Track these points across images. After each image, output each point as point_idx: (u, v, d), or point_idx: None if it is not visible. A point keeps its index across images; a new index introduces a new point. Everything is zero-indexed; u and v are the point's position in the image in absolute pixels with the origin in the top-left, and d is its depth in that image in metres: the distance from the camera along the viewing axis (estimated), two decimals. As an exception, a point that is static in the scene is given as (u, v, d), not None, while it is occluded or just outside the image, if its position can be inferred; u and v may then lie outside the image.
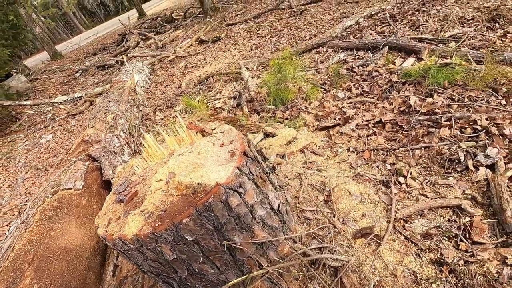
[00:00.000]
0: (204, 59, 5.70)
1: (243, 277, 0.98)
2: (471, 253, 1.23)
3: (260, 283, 1.06)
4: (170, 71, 5.80)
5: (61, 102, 6.08)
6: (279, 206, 1.13)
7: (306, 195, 1.56)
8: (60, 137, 5.03)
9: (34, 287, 1.36)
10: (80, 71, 9.62)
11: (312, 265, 1.16)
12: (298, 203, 1.48)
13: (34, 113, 7.09)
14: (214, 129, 1.20)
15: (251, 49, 5.09)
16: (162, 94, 4.81)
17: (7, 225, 3.12)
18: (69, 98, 6.26)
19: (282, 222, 1.15)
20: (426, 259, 1.23)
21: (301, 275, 1.14)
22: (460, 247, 1.25)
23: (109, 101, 3.60)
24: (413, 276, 1.16)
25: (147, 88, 5.21)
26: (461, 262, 1.20)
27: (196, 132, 1.20)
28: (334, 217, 1.38)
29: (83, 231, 1.80)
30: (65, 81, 9.49)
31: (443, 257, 1.22)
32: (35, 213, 1.78)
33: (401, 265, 1.20)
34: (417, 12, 3.68)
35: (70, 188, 2.01)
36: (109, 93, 3.95)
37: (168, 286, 1.03)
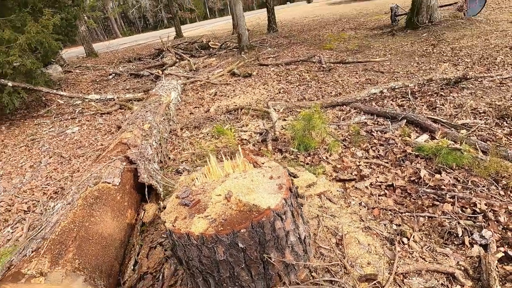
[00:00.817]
0: (234, 90, 6.16)
1: (269, 290, 1.19)
2: (458, 318, 1.41)
3: (279, 299, 1.26)
4: (200, 94, 6.25)
5: (93, 100, 6.49)
6: (304, 237, 1.36)
7: (322, 235, 1.77)
8: (85, 132, 5.34)
9: (75, 262, 1.55)
10: (114, 74, 10.22)
11: (322, 295, 1.35)
12: (316, 241, 1.69)
13: (63, 103, 7.51)
14: (263, 163, 1.47)
15: (279, 92, 5.54)
16: (190, 113, 5.18)
17: (25, 203, 3.31)
18: (101, 98, 6.67)
19: (305, 252, 1.37)
20: (418, 314, 1.41)
21: (311, 302, 1.33)
22: (449, 311, 1.43)
23: (147, 111, 3.94)
24: (406, 326, 1.34)
25: (177, 105, 5.60)
26: (449, 323, 1.38)
27: (249, 162, 1.47)
28: (344, 258, 1.58)
29: (115, 223, 2.01)
30: (97, 80, 10.07)
31: (433, 316, 1.40)
32: (79, 197, 2.01)
33: (397, 314, 1.39)
34: (435, 95, 4.10)
35: (109, 183, 2.25)
36: (147, 103, 4.32)
37: (205, 283, 1.23)
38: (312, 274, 1.41)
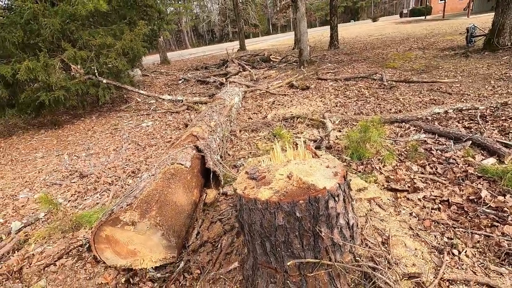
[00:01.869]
0: (291, 101, 6.42)
1: (316, 260, 1.37)
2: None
3: (323, 273, 1.42)
4: (259, 102, 6.65)
5: (166, 100, 7.35)
6: (352, 224, 1.50)
7: (369, 231, 1.87)
8: (158, 126, 6.09)
9: (157, 218, 1.92)
10: (183, 79, 11.35)
11: (364, 279, 1.47)
12: (362, 233, 1.80)
13: (141, 101, 8.61)
14: (321, 155, 1.67)
15: (336, 105, 5.63)
16: (249, 118, 5.58)
17: (109, 177, 3.96)
18: (172, 99, 7.52)
19: (351, 238, 1.51)
20: (462, 319, 1.43)
21: (353, 284, 1.45)
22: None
23: (213, 111, 4.42)
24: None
25: (238, 110, 6.06)
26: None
27: (309, 153, 1.69)
28: (389, 255, 1.67)
29: (185, 197, 2.38)
30: (168, 84, 11.30)
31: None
32: (160, 172, 2.43)
33: (438, 314, 1.43)
34: (510, 120, 3.80)
35: (182, 164, 2.65)
36: (213, 105, 4.82)
37: (262, 246, 1.46)
38: (356, 259, 1.53)
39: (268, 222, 1.35)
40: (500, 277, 1.66)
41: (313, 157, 1.67)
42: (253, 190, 1.41)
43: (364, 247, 1.68)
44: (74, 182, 3.93)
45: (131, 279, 2.00)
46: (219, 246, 2.03)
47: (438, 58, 8.70)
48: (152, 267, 1.99)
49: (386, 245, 1.81)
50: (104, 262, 2.05)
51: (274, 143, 1.67)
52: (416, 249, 1.81)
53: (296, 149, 1.75)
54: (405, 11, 41.04)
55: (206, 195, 2.80)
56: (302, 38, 9.87)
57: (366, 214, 2.04)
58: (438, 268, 1.68)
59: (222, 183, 2.90)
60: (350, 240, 1.50)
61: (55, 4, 6.19)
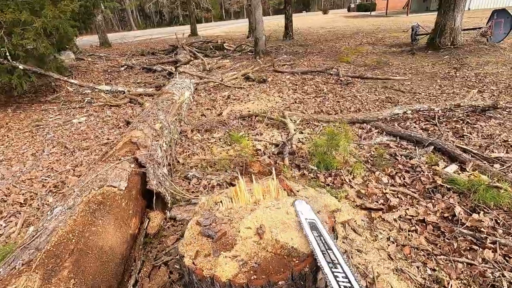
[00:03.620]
0: (248, 95, 5.98)
1: None
2: None
3: None
4: (212, 96, 6.08)
5: (103, 91, 6.33)
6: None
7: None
8: (93, 123, 5.17)
9: (70, 282, 1.35)
10: (126, 66, 10.10)
11: None
12: None
13: (73, 91, 7.36)
14: (298, 191, 1.27)
15: (295, 102, 5.35)
16: (202, 115, 5.00)
17: (22, 194, 3.12)
18: (112, 89, 6.52)
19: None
20: None
21: None
22: None
23: (159, 110, 3.76)
24: None
25: (189, 105, 5.42)
26: None
27: (283, 189, 1.28)
28: (378, 310, 1.38)
29: (118, 235, 1.81)
30: (108, 71, 9.95)
31: None
32: (81, 201, 1.81)
33: None
34: (461, 122, 3.88)
35: (115, 187, 2.06)
36: (159, 101, 4.15)
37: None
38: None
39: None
40: (491, 318, 1.47)
41: (288, 194, 1.26)
42: (209, 260, 0.96)
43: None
44: (-31, 203, 3.00)
45: None
46: (163, 305, 1.54)
47: (387, 54, 8.99)
48: None
49: (372, 291, 1.52)
50: None
51: (238, 180, 1.22)
52: (403, 292, 1.55)
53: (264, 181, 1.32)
54: (352, 5, 43.01)
55: (148, 222, 2.25)
56: (258, 27, 9.40)
57: (346, 251, 1.73)
58: (430, 317, 1.43)
59: (169, 204, 2.37)
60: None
61: None
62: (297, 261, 0.92)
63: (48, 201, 2.95)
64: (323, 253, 0.90)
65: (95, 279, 1.48)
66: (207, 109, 5.31)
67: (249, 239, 1.01)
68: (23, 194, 3.11)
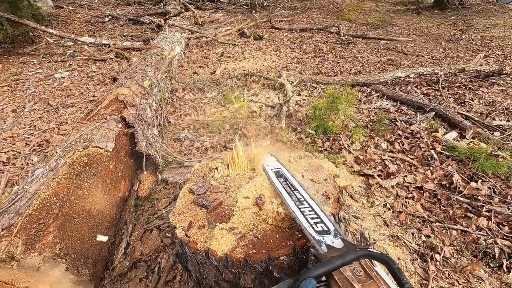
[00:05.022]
0: (242, 53, 5.63)
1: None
2: None
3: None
4: (205, 53, 5.71)
5: (86, 43, 5.86)
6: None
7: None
8: (76, 78, 4.84)
9: (56, 247, 1.28)
10: (110, 16, 9.31)
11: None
12: None
13: (53, 42, 6.81)
14: (302, 158, 1.17)
15: (292, 61, 5.07)
16: (194, 73, 4.72)
17: (5, 153, 2.97)
18: (96, 42, 6.05)
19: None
20: None
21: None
22: None
23: (147, 65, 3.49)
24: None
25: (180, 62, 5.09)
26: None
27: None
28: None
29: (106, 198, 1.73)
30: (91, 21, 9.16)
31: None
32: (65, 163, 1.69)
33: None
34: (464, 87, 3.76)
35: (102, 148, 1.93)
36: (147, 56, 3.84)
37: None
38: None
39: (227, 283, 0.86)
40: (480, 283, 1.50)
41: (289, 161, 1.16)
42: (203, 232, 0.87)
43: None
44: None
45: (27, 325, 1.39)
46: (156, 268, 1.51)
47: (391, 13, 8.47)
48: (58, 307, 1.40)
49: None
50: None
51: (235, 146, 1.09)
52: (399, 258, 1.55)
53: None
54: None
55: (139, 184, 2.17)
56: (255, -24, 8.60)
57: (344, 219, 1.69)
58: (424, 282, 1.44)
59: (160, 167, 2.27)
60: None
61: None
62: (300, 235, 0.85)
63: (32, 160, 2.81)
64: (289, 194, 0.95)
65: (83, 244, 1.41)
66: (200, 66, 5.00)
67: (247, 210, 0.93)
68: (5, 152, 2.96)
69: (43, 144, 3.05)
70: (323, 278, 0.65)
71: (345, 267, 0.64)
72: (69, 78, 4.88)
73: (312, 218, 0.82)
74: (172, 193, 2.10)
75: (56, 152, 1.78)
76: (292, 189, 0.96)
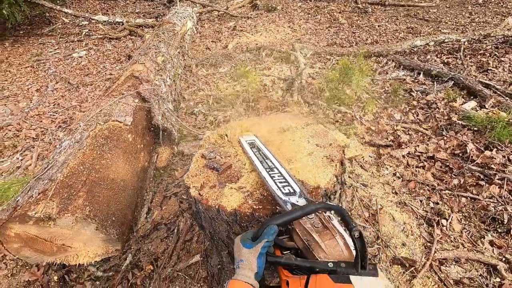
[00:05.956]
0: (255, 26, 5.52)
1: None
2: (493, 312, 1.31)
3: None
4: (217, 27, 5.64)
5: (101, 22, 5.92)
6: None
7: (356, 211, 1.61)
8: (93, 58, 4.96)
9: (86, 209, 1.43)
10: (122, -7, 9.22)
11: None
12: (351, 217, 1.54)
13: (69, 22, 6.92)
14: (308, 125, 1.21)
15: (306, 33, 4.93)
16: (206, 48, 4.71)
17: (34, 129, 3.18)
18: (109, 20, 6.08)
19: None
20: (452, 303, 1.31)
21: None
22: (484, 303, 1.33)
23: (160, 41, 3.52)
24: (439, 316, 1.25)
25: (192, 37, 5.07)
26: (483, 317, 1.28)
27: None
28: (378, 239, 1.44)
29: (128, 167, 1.86)
30: (104, -1, 9.15)
31: (468, 307, 1.30)
32: (88, 136, 1.81)
33: (430, 302, 1.29)
34: (488, 55, 3.56)
35: (121, 122, 2.04)
36: (160, 32, 3.86)
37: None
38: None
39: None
40: (486, 248, 1.54)
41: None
42: (215, 191, 0.96)
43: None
44: (-16, 137, 3.09)
45: (66, 277, 1.59)
46: (175, 230, 1.65)
47: (414, -24, 7.89)
48: (92, 262, 1.58)
49: (374, 222, 1.57)
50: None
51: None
52: (404, 223, 1.60)
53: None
54: None
55: (157, 156, 2.29)
56: None
57: (351, 185, 1.74)
58: (429, 245, 1.50)
59: (176, 139, 2.37)
60: (341, 235, 1.19)
61: None
62: (335, 201, 0.92)
63: (58, 136, 3.00)
64: (261, 162, 1.02)
65: (110, 207, 1.56)
66: (212, 41, 4.97)
67: (255, 172, 1.00)
68: (34, 129, 3.16)
69: (67, 121, 3.23)
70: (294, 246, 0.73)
71: (305, 221, 0.72)
72: (86, 57, 5.00)
73: (280, 182, 0.90)
74: (188, 164, 2.21)
75: (80, 126, 1.91)
76: (264, 157, 1.04)
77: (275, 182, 0.90)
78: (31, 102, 3.74)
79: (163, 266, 1.50)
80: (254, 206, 0.88)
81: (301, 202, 0.82)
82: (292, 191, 0.86)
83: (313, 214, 0.74)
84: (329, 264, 0.61)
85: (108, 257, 1.59)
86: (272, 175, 0.94)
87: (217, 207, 0.91)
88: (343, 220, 0.66)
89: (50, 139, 2.96)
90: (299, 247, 0.71)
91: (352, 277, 0.57)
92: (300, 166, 1.00)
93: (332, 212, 0.75)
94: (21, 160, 2.70)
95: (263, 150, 1.07)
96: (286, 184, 0.89)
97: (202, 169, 1.06)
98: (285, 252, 0.72)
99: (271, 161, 1.00)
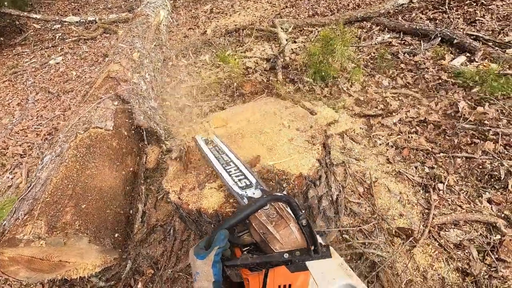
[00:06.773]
0: (232, 6, 5.30)
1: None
2: (495, 269, 1.31)
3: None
4: (193, 12, 5.41)
5: (73, 23, 5.68)
6: (337, 197, 1.15)
7: (349, 187, 1.58)
8: (70, 62, 4.80)
9: (76, 224, 1.40)
10: (91, -11, 8.81)
11: (354, 256, 1.23)
12: (345, 196, 1.51)
13: (41, 28, 6.65)
14: (287, 108, 1.15)
15: (286, 6, 4.74)
16: (184, 37, 4.54)
17: (20, 145, 3.11)
18: (81, 20, 5.84)
19: (335, 213, 1.18)
20: (454, 266, 1.31)
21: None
22: (486, 261, 1.32)
23: (133, 36, 3.37)
24: (441, 281, 1.25)
25: (169, 27, 4.87)
26: (486, 276, 1.28)
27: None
28: (374, 214, 1.42)
29: (116, 173, 1.81)
30: (74, -2, 8.75)
31: (470, 268, 1.30)
32: (69, 147, 1.76)
33: (432, 269, 1.28)
34: (475, 4, 3.42)
35: (101, 128, 1.97)
36: (133, 26, 3.69)
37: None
38: (342, 235, 1.25)
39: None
40: (484, 206, 1.53)
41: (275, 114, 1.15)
42: (194, 193, 0.92)
43: (349, 214, 1.39)
44: (-28, 160, 3.03)
45: (70, 290, 1.60)
46: (171, 231, 1.63)
47: None
48: (93, 273, 1.58)
49: (370, 196, 1.54)
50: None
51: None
52: (400, 192, 1.58)
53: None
54: None
55: (146, 157, 2.24)
56: None
57: (343, 161, 1.70)
58: (427, 211, 1.49)
59: (163, 138, 2.31)
60: (335, 216, 1.17)
61: None
62: (285, 184, 0.88)
63: (45, 148, 2.94)
64: (217, 158, 1.01)
65: (101, 218, 1.53)
66: (189, 28, 4.78)
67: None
68: (20, 145, 3.10)
69: (52, 132, 3.15)
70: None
71: (261, 213, 0.71)
72: (63, 62, 4.84)
73: (237, 176, 0.89)
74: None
75: (60, 138, 1.85)
76: (220, 152, 1.03)
77: (231, 177, 0.89)
78: (13, 117, 3.64)
79: (164, 268, 1.50)
80: (235, 204, 0.85)
81: (257, 193, 0.82)
82: (248, 183, 0.86)
83: (268, 205, 0.72)
84: (284, 255, 0.62)
85: (108, 266, 1.58)
86: (228, 170, 0.93)
87: (198, 210, 0.87)
88: (291, 209, 0.66)
89: (37, 153, 2.90)
90: (257, 241, 0.71)
91: (307, 263, 0.59)
92: (281, 155, 0.95)
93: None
94: (12, 178, 2.66)
95: (219, 145, 1.06)
96: (243, 177, 0.88)
97: (180, 172, 1.01)
98: (244, 249, 0.71)
99: (227, 155, 0.99)
